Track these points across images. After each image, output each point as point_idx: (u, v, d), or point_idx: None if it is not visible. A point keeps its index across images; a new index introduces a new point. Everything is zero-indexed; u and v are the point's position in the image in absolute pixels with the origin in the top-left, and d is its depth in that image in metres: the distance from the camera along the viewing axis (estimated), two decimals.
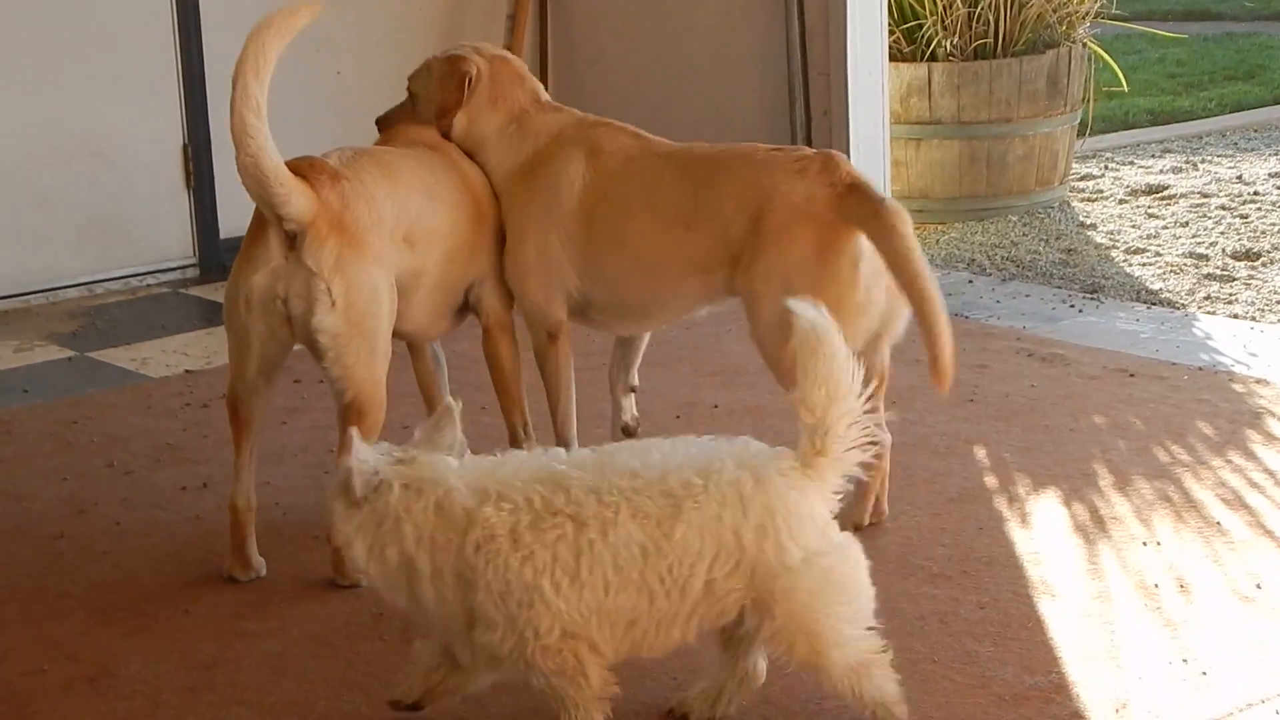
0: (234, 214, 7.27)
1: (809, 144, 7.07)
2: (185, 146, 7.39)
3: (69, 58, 7.10)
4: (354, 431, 3.32)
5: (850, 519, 4.10)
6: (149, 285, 7.32)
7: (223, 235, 7.24)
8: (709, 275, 4.29)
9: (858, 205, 4.08)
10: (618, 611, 3.15)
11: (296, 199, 3.89)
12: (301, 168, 3.99)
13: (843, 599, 3.19)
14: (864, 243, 4.07)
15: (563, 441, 4.52)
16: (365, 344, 4.00)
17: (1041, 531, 4.32)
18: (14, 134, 7.02)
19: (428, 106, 4.54)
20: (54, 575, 4.30)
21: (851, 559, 3.26)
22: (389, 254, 4.08)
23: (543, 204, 4.42)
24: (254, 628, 3.94)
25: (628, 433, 4.79)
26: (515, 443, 4.53)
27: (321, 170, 4.02)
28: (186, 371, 6.02)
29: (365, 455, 3.22)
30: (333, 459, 4.95)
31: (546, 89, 4.70)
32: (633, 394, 4.83)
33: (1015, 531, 4.32)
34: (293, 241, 3.95)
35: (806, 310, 3.14)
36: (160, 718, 3.52)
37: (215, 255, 7.30)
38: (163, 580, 4.23)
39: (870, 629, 3.26)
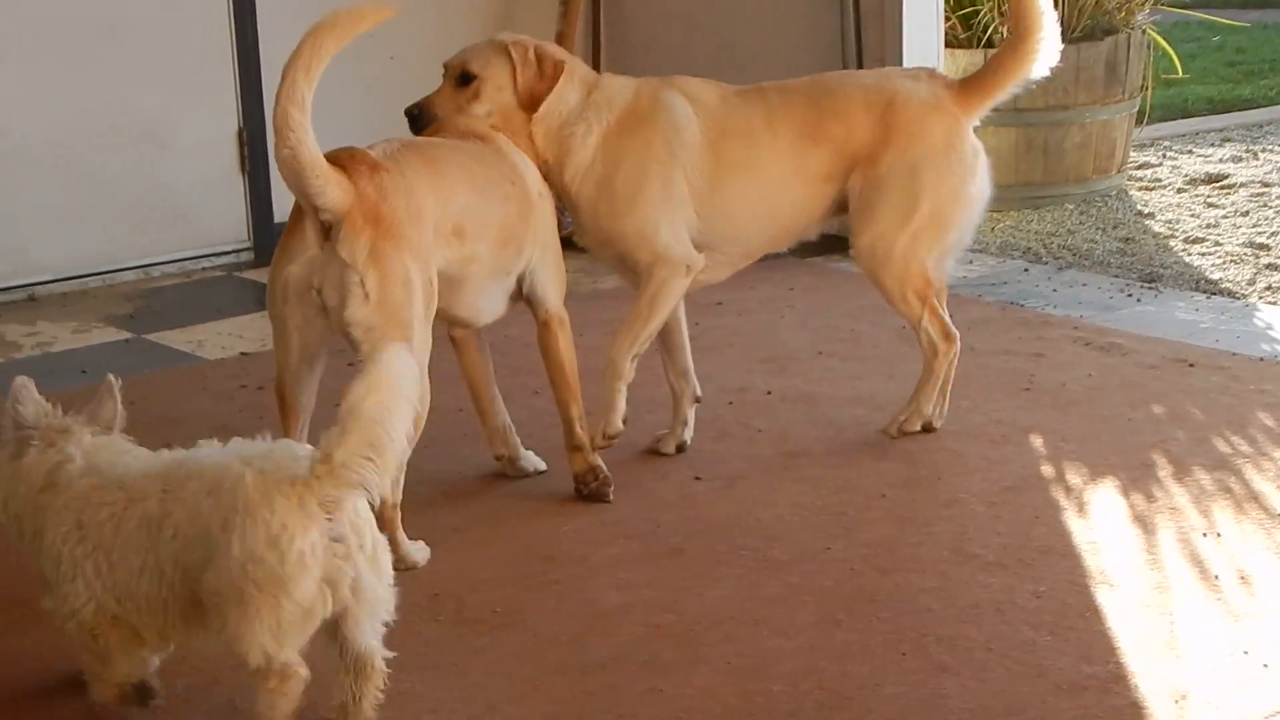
0: (288, 198, 7.15)
1: None
2: (240, 131, 7.41)
3: (126, 42, 7.12)
4: (24, 380, 3.60)
5: (920, 417, 4.82)
6: (204, 269, 7.35)
7: (277, 219, 7.24)
8: (827, 185, 4.68)
9: (980, 85, 4.75)
10: (142, 595, 3.27)
11: (332, 190, 3.88)
12: (341, 159, 3.98)
13: (267, 607, 3.14)
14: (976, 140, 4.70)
15: (610, 368, 4.62)
16: (400, 336, 3.94)
17: (1099, 521, 4.30)
18: (71, 117, 7.05)
19: (500, 91, 4.55)
20: None
21: (290, 572, 3.15)
22: (428, 246, 4.05)
23: (662, 149, 4.57)
24: None
25: (680, 449, 4.84)
26: (572, 437, 4.52)
27: (361, 161, 4.00)
28: (242, 354, 6.04)
29: (27, 409, 3.54)
30: None
31: (600, 64, 4.76)
32: (697, 404, 4.89)
33: (1072, 521, 4.30)
34: (329, 232, 3.94)
35: (399, 353, 3.27)
36: (216, 689, 3.54)
37: (269, 239, 7.31)
38: None
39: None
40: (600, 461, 4.55)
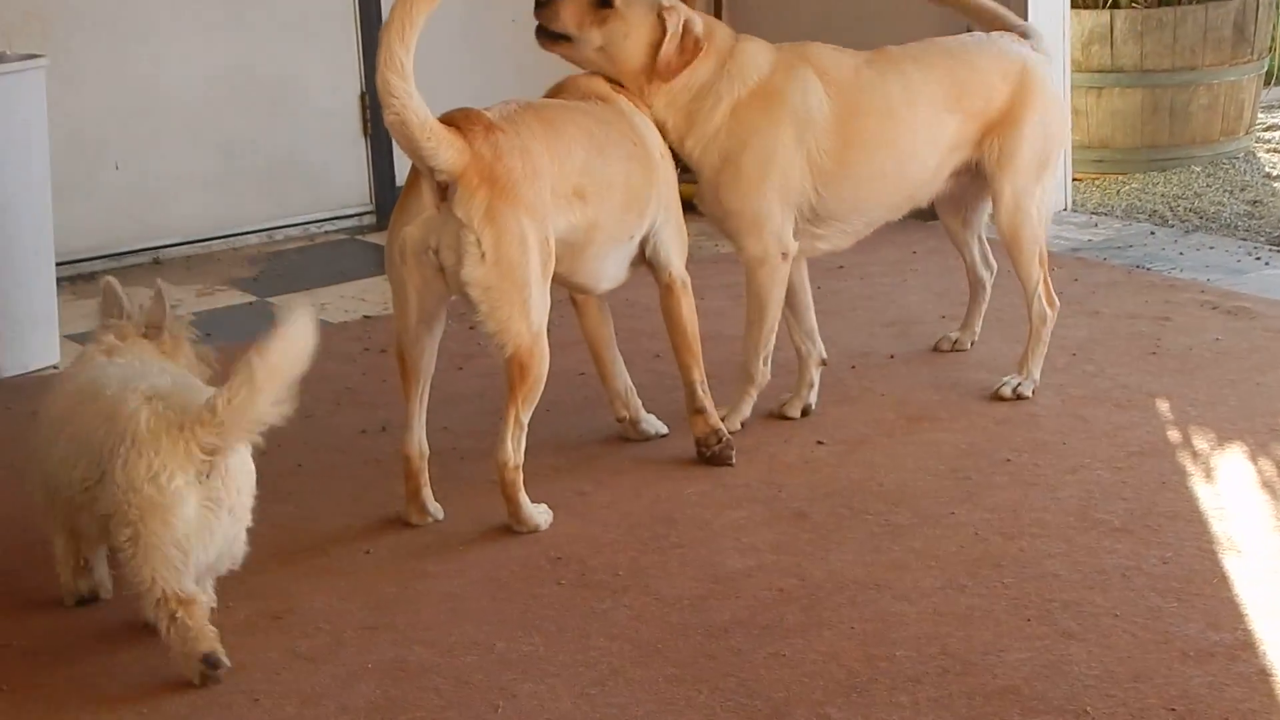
0: (409, 162, 7.32)
1: None
2: (363, 95, 7.46)
3: (252, 5, 7.18)
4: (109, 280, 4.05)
5: (1033, 381, 4.93)
6: (327, 232, 7.42)
7: (398, 182, 7.28)
8: (957, 153, 4.82)
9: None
10: (61, 489, 3.61)
11: (445, 150, 3.88)
12: (456, 119, 3.98)
13: (152, 534, 3.40)
14: None
15: (744, 368, 4.75)
16: (518, 295, 3.96)
17: (1226, 486, 4.25)
18: (199, 80, 7.13)
19: (625, 39, 4.49)
20: None
21: (166, 507, 3.42)
22: (545, 206, 4.04)
23: (791, 134, 4.56)
24: (433, 569, 3.98)
25: (805, 413, 4.86)
26: (694, 401, 4.52)
27: (476, 122, 3.99)
28: (364, 317, 6.09)
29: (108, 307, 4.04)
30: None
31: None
32: (822, 367, 4.94)
33: (1199, 486, 4.25)
34: (445, 193, 3.94)
35: (305, 317, 3.53)
36: (342, 655, 3.56)
37: (391, 202, 7.26)
38: (343, 521, 4.29)
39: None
40: (722, 425, 4.55)
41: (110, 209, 7.02)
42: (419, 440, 4.20)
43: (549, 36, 4.54)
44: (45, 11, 6.79)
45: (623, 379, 4.68)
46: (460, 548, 4.10)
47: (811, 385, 4.88)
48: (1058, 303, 5.01)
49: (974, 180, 4.95)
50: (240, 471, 3.61)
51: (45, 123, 5.62)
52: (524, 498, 4.13)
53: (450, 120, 3.97)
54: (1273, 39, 8.57)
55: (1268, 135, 8.62)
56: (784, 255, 4.61)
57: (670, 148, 4.56)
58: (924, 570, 3.84)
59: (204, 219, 7.24)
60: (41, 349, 5.68)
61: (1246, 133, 8.41)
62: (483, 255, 3.92)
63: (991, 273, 5.33)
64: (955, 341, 5.33)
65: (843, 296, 5.99)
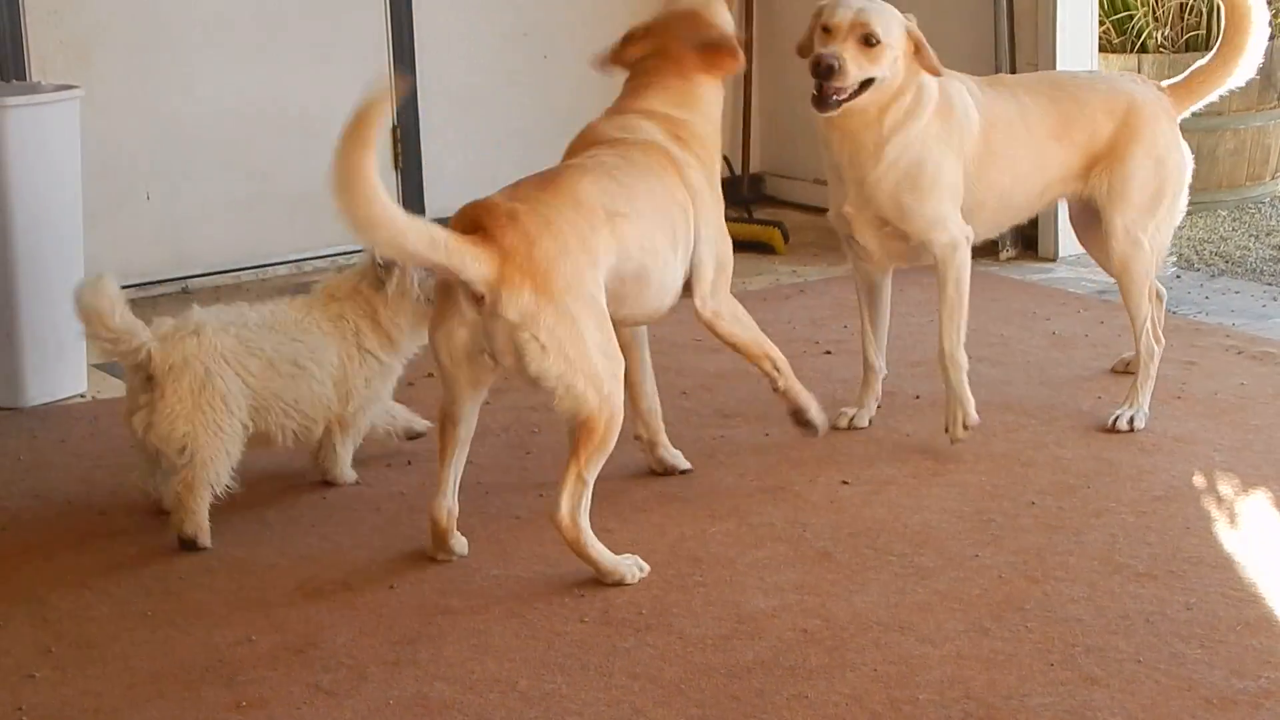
0: (440, 195, 7.35)
1: None
2: (395, 128, 7.46)
3: (285, 36, 7.21)
4: None
5: (1145, 415, 5.00)
6: (354, 263, 7.40)
7: (429, 216, 7.25)
8: (1066, 183, 5.04)
9: (1188, 89, 5.18)
10: None
11: (472, 264, 3.83)
12: (479, 218, 3.93)
13: None
14: None
15: (947, 361, 4.85)
16: (584, 374, 3.93)
17: (1251, 532, 4.24)
18: (231, 109, 7.13)
19: (896, 61, 4.66)
20: (263, 546, 4.36)
21: None
22: (583, 274, 3.98)
23: (957, 140, 4.80)
24: (456, 605, 3.96)
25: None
26: (773, 376, 4.53)
27: (498, 215, 3.92)
28: None
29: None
30: (534, 440, 5.01)
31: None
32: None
33: (1224, 532, 4.24)
34: (480, 299, 3.89)
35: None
36: (365, 690, 3.55)
37: None
38: (368, 554, 4.28)
39: None
40: (802, 406, 4.58)
41: (140, 238, 7.03)
42: (449, 506, 4.16)
43: (833, 104, 4.64)
44: (80, 41, 6.81)
45: (649, 401, 4.67)
46: (484, 583, 4.08)
47: (877, 397, 5.08)
48: (1164, 339, 5.11)
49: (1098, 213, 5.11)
50: None
51: (78, 152, 5.63)
52: (597, 552, 4.05)
53: (471, 218, 3.94)
54: None
55: None
56: (966, 238, 4.81)
57: (857, 162, 4.74)
58: (948, 613, 3.82)
59: (233, 249, 7.25)
60: (69, 378, 5.68)
61: (1273, 178, 8.39)
62: (543, 347, 3.89)
63: (1161, 301, 5.36)
64: (1129, 364, 5.36)
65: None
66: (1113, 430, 4.92)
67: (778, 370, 4.51)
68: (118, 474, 4.91)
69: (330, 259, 7.37)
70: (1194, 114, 8.00)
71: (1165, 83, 5.17)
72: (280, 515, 4.58)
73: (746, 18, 7.98)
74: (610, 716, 3.40)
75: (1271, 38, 8.18)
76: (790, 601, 3.91)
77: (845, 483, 4.63)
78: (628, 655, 3.67)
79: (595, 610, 3.90)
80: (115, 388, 5.75)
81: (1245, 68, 5.15)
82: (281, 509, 4.62)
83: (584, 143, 4.43)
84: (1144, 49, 8.10)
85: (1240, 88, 7.81)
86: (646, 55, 4.56)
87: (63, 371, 5.66)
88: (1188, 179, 5.09)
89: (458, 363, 4.02)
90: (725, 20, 4.59)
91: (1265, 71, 8.11)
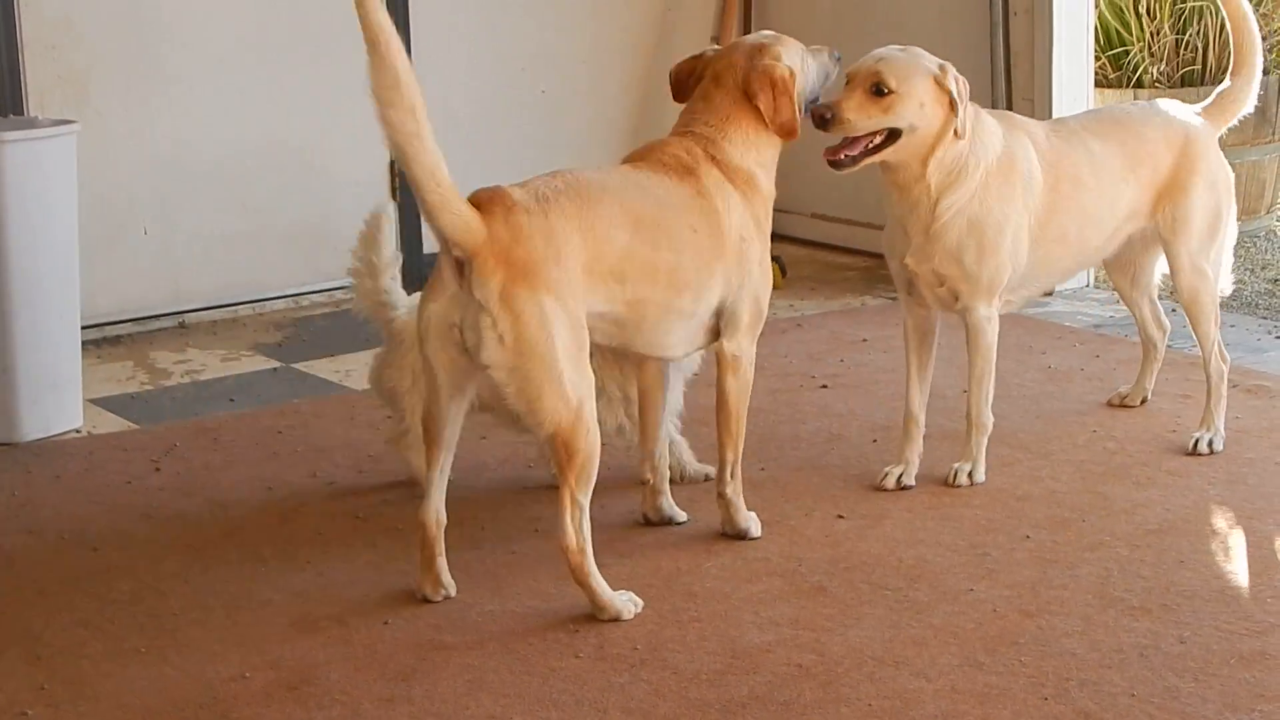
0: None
1: None
2: (392, 163, 7.47)
3: (283, 72, 7.22)
4: None
5: (1221, 435, 5.07)
6: (352, 298, 7.40)
7: (426, 250, 7.28)
8: (1134, 220, 5.01)
9: (1220, 113, 5.17)
10: None
11: (446, 219, 3.84)
12: (480, 198, 3.93)
13: None
14: None
15: (976, 422, 4.86)
16: (545, 374, 3.88)
17: (1245, 566, 4.24)
18: (230, 144, 7.15)
19: (921, 109, 4.55)
20: (258, 582, 4.36)
21: None
22: (574, 285, 3.96)
23: (1022, 200, 4.74)
24: (451, 640, 3.95)
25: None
26: (722, 474, 4.47)
27: (497, 202, 3.93)
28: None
29: None
30: (530, 474, 5.01)
31: None
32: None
33: (1218, 565, 4.24)
34: (462, 270, 3.89)
35: None
36: None
37: (419, 269, 7.32)
38: (363, 590, 4.27)
39: None
40: (739, 522, 4.52)
41: (138, 272, 7.04)
42: (436, 509, 4.14)
43: (846, 161, 4.61)
44: (78, 75, 6.83)
45: (660, 445, 4.63)
46: (479, 619, 4.07)
47: (919, 452, 4.91)
48: (1229, 357, 5.17)
49: (1143, 243, 5.14)
50: None
51: (74, 187, 5.64)
52: (597, 583, 4.04)
53: (475, 199, 3.93)
54: None
55: None
56: (998, 311, 4.81)
57: (916, 214, 4.68)
58: (942, 647, 3.82)
59: (231, 283, 7.26)
60: (64, 413, 5.68)
61: (1268, 212, 8.41)
62: (500, 338, 3.86)
63: (1164, 333, 5.45)
64: (1125, 397, 5.46)
65: (866, 370, 6.00)
66: (1194, 453, 4.97)
67: (731, 463, 4.46)
68: (112, 510, 4.92)
69: (328, 293, 7.39)
70: None
71: (1197, 107, 5.16)
72: (275, 551, 4.58)
73: (745, 6, 7.98)
74: None
75: (1266, 73, 8.25)
76: (785, 636, 3.91)
77: (841, 517, 4.63)
78: (622, 691, 3.66)
79: (590, 646, 3.89)
80: (110, 423, 5.77)
81: (1255, 82, 5.18)
82: (276, 545, 4.62)
83: (644, 155, 4.38)
84: (1140, 84, 8.12)
85: (1238, 124, 7.85)
86: (714, 80, 4.44)
87: (58, 406, 5.66)
88: (1234, 198, 5.15)
89: (431, 339, 3.98)
90: (791, 61, 4.42)
91: (1260, 107, 8.15)
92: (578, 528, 3.97)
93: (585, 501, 3.99)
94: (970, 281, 4.69)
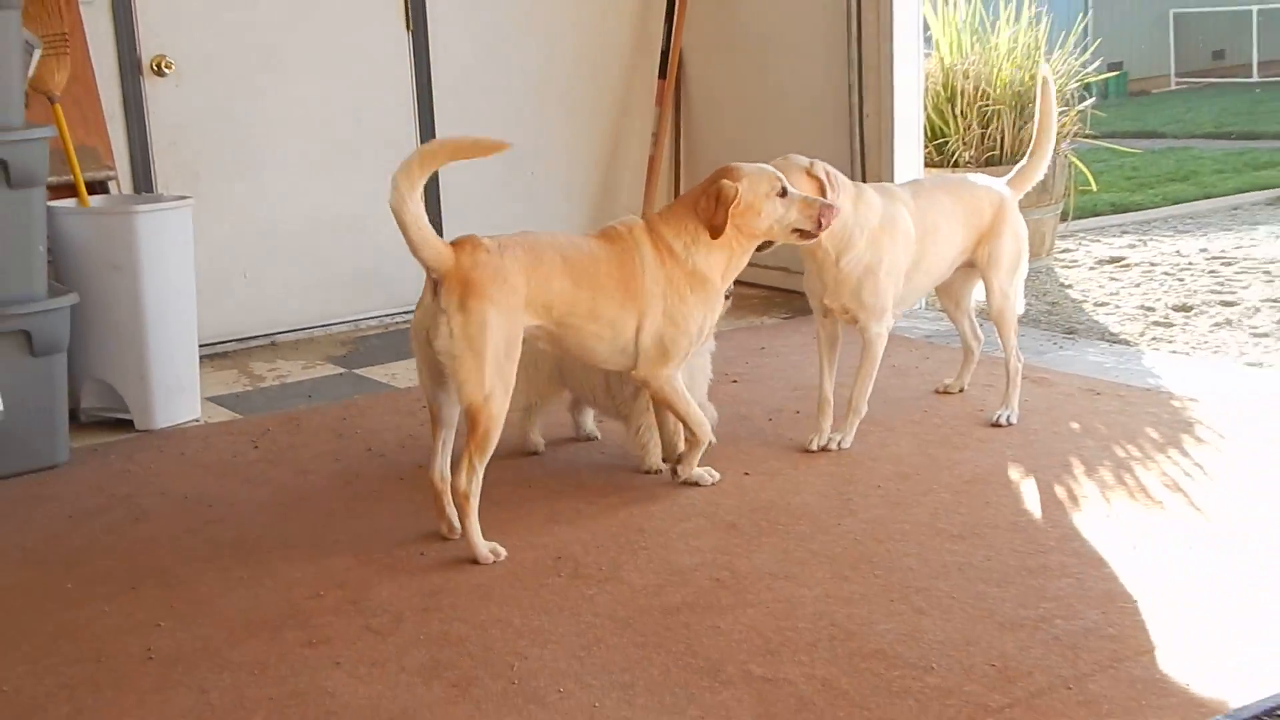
0: None
1: None
2: None
3: (342, 159, 7.21)
4: None
5: (1015, 412, 5.10)
6: (398, 321, 7.41)
7: None
8: (964, 255, 5.01)
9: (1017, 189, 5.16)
10: None
11: (429, 252, 3.84)
12: (459, 240, 3.95)
13: None
14: None
15: (856, 406, 4.88)
16: (474, 364, 3.86)
17: (1032, 505, 4.26)
18: (303, 213, 7.14)
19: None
20: (329, 528, 4.35)
21: None
22: (512, 306, 3.92)
23: (901, 247, 4.75)
24: (469, 566, 3.96)
25: (824, 448, 4.85)
26: (687, 440, 4.54)
27: (468, 243, 3.93)
28: None
29: None
30: (521, 444, 4.99)
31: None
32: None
33: (1013, 504, 4.26)
34: (436, 289, 3.91)
35: None
36: (402, 630, 3.55)
37: None
38: (404, 532, 4.27)
39: None
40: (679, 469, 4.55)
41: (239, 306, 7.02)
42: (441, 470, 4.12)
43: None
44: (193, 164, 6.80)
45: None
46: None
47: (830, 422, 4.90)
48: (1022, 358, 5.21)
49: (965, 275, 5.16)
50: None
51: (191, 244, 5.62)
52: (472, 525, 3.97)
53: (456, 240, 3.95)
54: (1066, 189, 8.64)
55: (1062, 256, 8.67)
56: (889, 328, 4.83)
57: (826, 270, 4.68)
58: (819, 566, 3.84)
59: (308, 313, 7.24)
60: (186, 407, 5.66)
61: (1048, 255, 8.47)
62: (451, 332, 3.87)
63: (979, 342, 5.48)
64: (948, 387, 5.50)
65: (764, 369, 6.01)
66: (996, 425, 5.01)
67: (692, 437, 4.46)
68: (221, 478, 4.90)
69: (379, 319, 7.38)
70: None
71: (1005, 178, 5.14)
72: (341, 505, 4.57)
73: (676, 87, 7.99)
74: (578, 644, 3.40)
75: None
76: (707, 559, 3.92)
77: (747, 474, 4.64)
78: (592, 600, 3.67)
79: (568, 568, 3.90)
80: (220, 414, 5.74)
81: (1045, 162, 5.17)
82: (342, 501, 4.62)
83: (603, 230, 4.30)
84: (956, 165, 8.16)
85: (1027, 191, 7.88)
86: (698, 185, 4.33)
87: (182, 403, 5.64)
88: (1028, 245, 5.17)
89: (415, 339, 4.00)
90: (749, 189, 4.24)
91: (1043, 180, 8.20)
92: (469, 480, 3.93)
93: (479, 464, 3.93)
94: (866, 310, 4.73)
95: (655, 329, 4.22)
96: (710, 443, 4.51)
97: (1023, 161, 5.20)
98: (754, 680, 3.16)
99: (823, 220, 4.30)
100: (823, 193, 4.49)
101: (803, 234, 4.34)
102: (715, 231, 4.22)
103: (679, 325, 4.24)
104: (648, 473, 4.68)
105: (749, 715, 3.00)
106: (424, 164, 3.81)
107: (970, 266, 5.09)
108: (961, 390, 5.49)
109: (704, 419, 4.47)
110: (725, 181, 4.23)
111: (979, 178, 5.17)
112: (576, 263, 4.11)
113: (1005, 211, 5.04)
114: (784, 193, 4.29)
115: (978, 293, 5.29)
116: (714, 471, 4.54)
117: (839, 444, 4.85)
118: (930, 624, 3.42)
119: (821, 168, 4.56)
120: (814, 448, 4.83)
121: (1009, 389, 5.12)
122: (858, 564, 3.83)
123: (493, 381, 3.91)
